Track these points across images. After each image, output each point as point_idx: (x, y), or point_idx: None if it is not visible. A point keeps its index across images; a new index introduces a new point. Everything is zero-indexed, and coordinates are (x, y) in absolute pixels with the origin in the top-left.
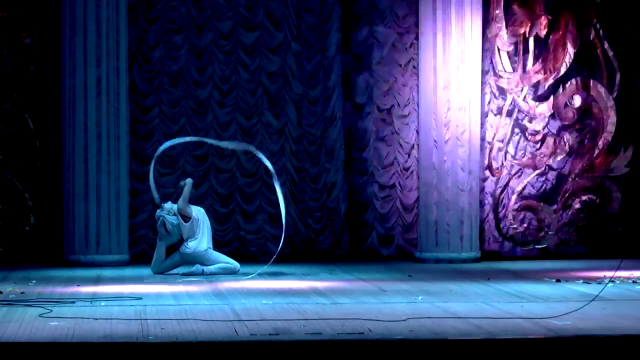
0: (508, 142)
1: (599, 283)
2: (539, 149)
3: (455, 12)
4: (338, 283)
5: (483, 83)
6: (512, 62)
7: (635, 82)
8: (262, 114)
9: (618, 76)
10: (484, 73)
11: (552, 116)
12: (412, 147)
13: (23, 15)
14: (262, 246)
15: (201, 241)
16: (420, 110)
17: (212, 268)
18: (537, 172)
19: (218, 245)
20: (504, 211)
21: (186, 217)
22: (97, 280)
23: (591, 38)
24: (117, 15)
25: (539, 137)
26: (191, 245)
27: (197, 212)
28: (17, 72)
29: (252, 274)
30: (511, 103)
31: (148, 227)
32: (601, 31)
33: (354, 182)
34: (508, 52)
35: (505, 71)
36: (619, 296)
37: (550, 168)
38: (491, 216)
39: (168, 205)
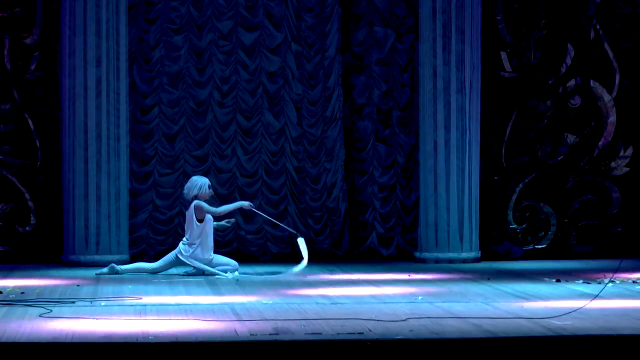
0: (508, 142)
1: (599, 283)
2: (539, 148)
3: (455, 13)
4: (338, 283)
5: (483, 83)
6: (512, 62)
7: (635, 82)
8: (262, 114)
9: (618, 76)
10: (484, 73)
11: (552, 116)
12: (412, 147)
13: (23, 15)
14: (262, 246)
15: (199, 251)
16: (420, 110)
17: (211, 268)
18: (537, 171)
19: (218, 245)
20: (504, 211)
21: (200, 220)
22: (98, 280)
23: (591, 38)
24: (117, 15)
25: (538, 137)
26: (189, 250)
27: (209, 222)
28: (17, 72)
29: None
30: (511, 103)
31: (148, 227)
32: (601, 31)
33: (354, 182)
34: (508, 52)
35: (505, 71)
36: (619, 296)
37: (550, 168)
38: (491, 216)
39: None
